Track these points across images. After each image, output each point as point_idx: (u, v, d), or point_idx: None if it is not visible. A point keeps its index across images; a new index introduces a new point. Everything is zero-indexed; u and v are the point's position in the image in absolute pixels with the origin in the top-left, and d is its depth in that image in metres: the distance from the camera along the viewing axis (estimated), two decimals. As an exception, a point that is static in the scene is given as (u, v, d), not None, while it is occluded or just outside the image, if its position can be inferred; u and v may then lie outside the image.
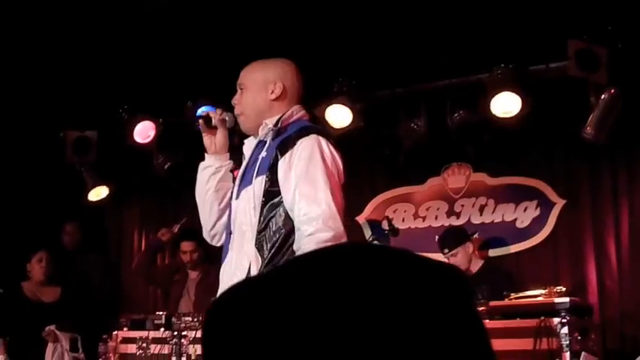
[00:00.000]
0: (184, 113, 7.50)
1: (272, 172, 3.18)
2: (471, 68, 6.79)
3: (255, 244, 3.16)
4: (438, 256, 6.89)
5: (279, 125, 3.31)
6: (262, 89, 3.39)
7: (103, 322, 6.28)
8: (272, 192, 3.17)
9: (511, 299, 5.17)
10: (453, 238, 6.61)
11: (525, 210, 7.10)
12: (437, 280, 0.97)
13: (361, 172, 7.74)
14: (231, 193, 3.43)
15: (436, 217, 7.47)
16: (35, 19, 6.27)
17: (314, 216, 3.06)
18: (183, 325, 5.54)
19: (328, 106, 7.03)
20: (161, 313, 5.81)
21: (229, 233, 3.34)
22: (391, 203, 7.67)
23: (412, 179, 7.62)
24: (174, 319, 5.64)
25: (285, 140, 3.24)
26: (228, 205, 3.43)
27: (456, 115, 6.91)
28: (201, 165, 3.58)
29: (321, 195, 3.09)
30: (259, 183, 3.20)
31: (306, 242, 3.04)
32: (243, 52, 6.72)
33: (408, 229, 7.42)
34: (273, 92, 3.37)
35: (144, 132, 7.31)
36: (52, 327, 6.33)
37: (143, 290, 8.36)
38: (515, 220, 7.14)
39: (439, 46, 6.53)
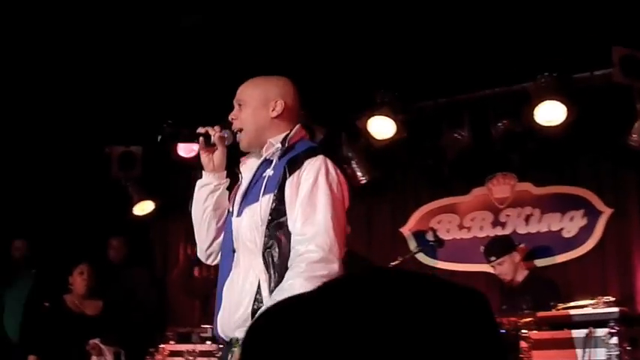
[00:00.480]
0: (226, 126, 7.55)
1: (280, 190, 3.16)
2: (514, 77, 6.74)
3: (264, 262, 3.13)
4: (483, 267, 6.85)
5: (286, 144, 3.28)
6: (263, 106, 3.35)
7: (148, 336, 6.32)
8: (279, 210, 3.14)
9: (558, 309, 5.11)
10: (499, 246, 6.54)
11: (572, 219, 7.02)
12: (461, 303, 0.98)
13: (405, 184, 7.73)
14: (229, 210, 3.40)
15: (481, 228, 7.41)
16: (79, 37, 6.35)
17: (308, 237, 3.04)
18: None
19: (370, 117, 7.02)
20: (207, 326, 5.82)
21: (232, 251, 3.30)
22: (435, 214, 7.62)
23: (456, 190, 7.58)
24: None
25: (293, 159, 3.22)
26: (225, 223, 3.42)
27: (499, 124, 6.87)
28: (199, 183, 3.53)
29: (320, 217, 3.07)
30: (266, 201, 3.17)
31: (297, 261, 3.03)
32: (282, 65, 6.77)
33: (452, 240, 7.37)
34: (274, 110, 3.34)
35: (188, 147, 7.37)
36: (97, 340, 6.36)
37: (188, 304, 8.40)
38: (562, 229, 7.06)
39: (482, 56, 6.49)
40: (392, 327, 0.93)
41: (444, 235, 7.09)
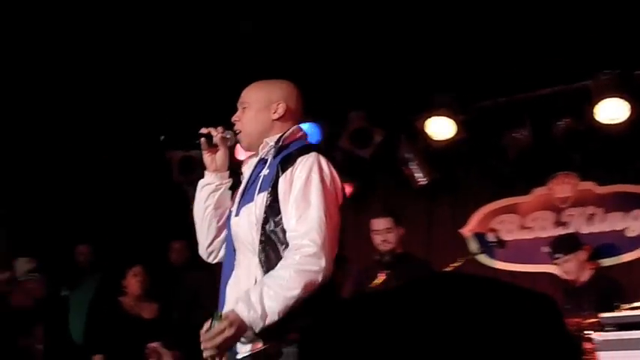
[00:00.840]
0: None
1: (274, 188, 3.19)
2: (575, 75, 6.66)
3: (259, 260, 3.16)
4: (546, 267, 6.78)
5: (280, 143, 3.33)
6: (265, 108, 3.41)
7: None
8: (273, 208, 3.17)
9: (623, 310, 5.03)
10: (566, 244, 6.41)
11: (636, 218, 6.91)
12: (529, 306, 0.98)
13: (465, 184, 7.68)
14: (230, 211, 3.45)
15: (543, 228, 7.32)
16: (136, 44, 6.43)
17: (302, 232, 3.07)
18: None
19: (429, 118, 6.99)
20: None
21: (233, 250, 3.34)
22: (496, 215, 7.55)
23: (517, 190, 7.50)
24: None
25: (286, 157, 3.25)
26: (226, 223, 3.46)
27: (560, 123, 6.79)
28: (201, 182, 3.57)
29: (313, 213, 3.10)
30: (261, 199, 3.20)
31: (290, 254, 3.07)
32: (338, 68, 6.81)
33: (514, 241, 7.29)
34: (276, 112, 3.40)
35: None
36: (156, 344, 6.40)
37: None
38: (626, 229, 6.95)
39: (541, 54, 6.42)
40: (463, 331, 0.93)
41: (505, 236, 7.03)
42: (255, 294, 2.99)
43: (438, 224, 7.73)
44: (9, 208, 8.86)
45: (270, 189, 3.18)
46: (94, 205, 8.51)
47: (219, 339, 2.94)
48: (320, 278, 3.02)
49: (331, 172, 3.24)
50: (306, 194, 3.12)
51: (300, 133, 3.45)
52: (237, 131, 3.44)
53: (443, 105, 7.00)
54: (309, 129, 7.52)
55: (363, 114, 7.39)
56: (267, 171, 3.25)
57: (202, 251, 3.61)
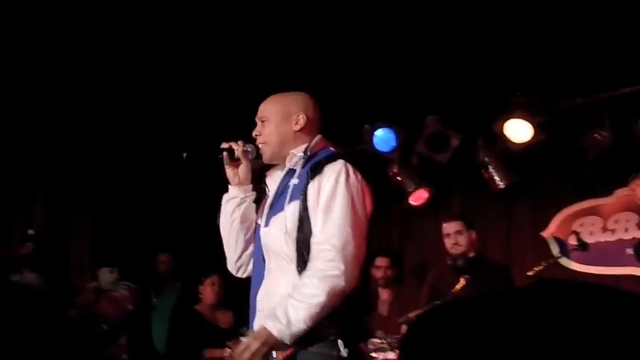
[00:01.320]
0: (362, 137, 7.59)
1: (304, 196, 3.22)
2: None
3: (297, 268, 3.18)
4: (631, 270, 6.65)
5: (308, 153, 3.37)
6: (286, 120, 3.43)
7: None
8: (305, 216, 3.20)
9: None
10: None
11: None
12: None
13: (545, 187, 7.56)
14: (257, 223, 3.48)
15: (626, 230, 7.16)
16: (217, 53, 6.50)
17: (324, 238, 3.12)
18: (372, 346, 5.54)
19: (506, 121, 6.91)
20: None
21: (262, 261, 3.36)
22: (577, 217, 7.42)
23: (598, 191, 7.35)
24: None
25: (314, 165, 3.28)
26: (253, 235, 3.51)
27: (641, 122, 6.64)
28: (225, 197, 3.62)
29: (335, 219, 3.14)
30: (292, 208, 3.23)
31: (313, 261, 3.12)
32: (416, 74, 6.78)
33: (596, 243, 7.15)
34: (297, 123, 3.42)
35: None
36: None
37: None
38: None
39: (620, 53, 6.30)
40: (573, 339, 0.90)
41: (587, 238, 6.89)
42: (281, 308, 3.05)
43: (518, 228, 7.63)
44: (91, 219, 9.06)
45: (301, 197, 3.22)
46: (174, 215, 8.63)
47: (246, 355, 3.02)
48: (343, 282, 3.05)
49: (358, 180, 3.28)
50: (331, 201, 3.16)
51: (324, 143, 3.47)
52: (259, 144, 3.48)
53: (520, 107, 6.91)
54: (385, 135, 7.51)
55: (439, 118, 7.34)
56: (297, 180, 3.29)
57: (231, 266, 3.64)
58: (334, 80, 6.93)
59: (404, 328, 5.62)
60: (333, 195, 3.16)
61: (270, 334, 3.01)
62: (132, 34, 6.21)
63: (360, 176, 3.30)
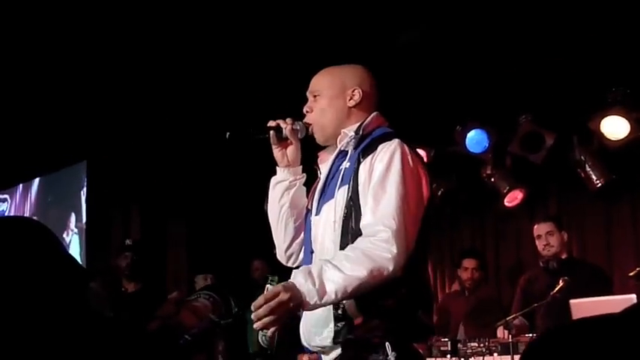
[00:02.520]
0: (454, 139, 7.52)
1: (354, 180, 2.91)
2: None
3: None
4: None
5: (360, 132, 3.04)
6: (340, 96, 3.12)
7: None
8: (355, 202, 2.90)
9: None
10: None
11: None
12: None
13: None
14: (307, 209, 3.19)
15: None
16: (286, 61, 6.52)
17: (375, 220, 2.80)
18: (469, 350, 5.47)
19: (603, 118, 6.75)
20: (445, 339, 5.78)
21: (311, 252, 3.07)
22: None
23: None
24: (460, 345, 5.58)
25: (367, 145, 2.97)
26: (304, 222, 3.20)
27: None
28: (273, 180, 3.28)
29: (390, 201, 2.81)
30: (342, 194, 2.94)
31: (362, 237, 2.80)
32: (507, 72, 6.69)
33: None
34: (352, 99, 3.10)
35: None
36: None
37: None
38: None
39: None
40: None
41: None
42: (316, 268, 2.74)
43: (618, 227, 7.43)
44: (187, 226, 9.19)
45: (351, 182, 2.93)
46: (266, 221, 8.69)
47: (274, 303, 2.67)
48: (390, 267, 2.72)
49: (414, 162, 2.94)
50: (384, 183, 2.84)
51: (380, 119, 3.13)
52: (310, 122, 3.17)
53: (616, 103, 6.74)
54: (478, 136, 7.43)
55: (532, 117, 7.22)
56: (348, 164, 2.99)
57: (281, 255, 3.34)
58: (425, 83, 6.89)
59: (500, 331, 5.54)
60: (387, 175, 2.85)
61: (298, 291, 2.68)
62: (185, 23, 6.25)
63: (417, 158, 2.98)
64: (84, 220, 9.51)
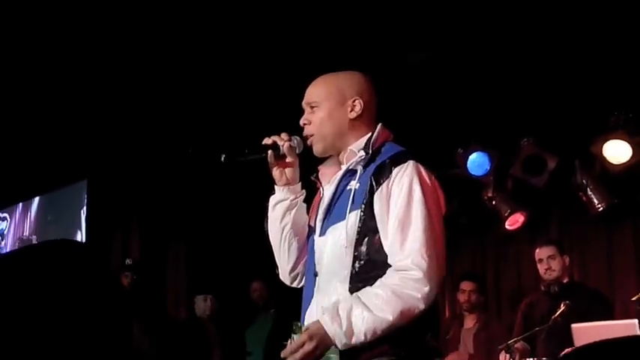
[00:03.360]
0: (456, 161, 7.50)
1: (368, 205, 2.77)
2: None
3: (350, 287, 2.76)
4: None
5: (370, 151, 2.88)
6: (340, 106, 2.94)
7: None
8: (368, 227, 2.76)
9: None
10: None
11: None
12: None
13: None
14: (309, 227, 3.06)
15: None
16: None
17: (405, 255, 2.69)
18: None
19: (605, 141, 6.73)
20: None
21: (314, 275, 2.92)
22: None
23: None
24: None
25: (379, 168, 2.82)
26: (307, 242, 3.06)
27: None
28: (273, 200, 3.11)
29: (417, 233, 2.71)
30: (354, 218, 2.78)
31: (391, 274, 2.71)
32: (510, 95, 6.68)
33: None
34: (353, 110, 2.93)
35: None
36: None
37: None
38: None
39: None
40: None
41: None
42: (344, 307, 2.65)
43: (619, 251, 7.40)
44: (187, 247, 9.16)
45: (363, 206, 2.78)
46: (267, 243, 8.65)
47: (299, 354, 2.64)
48: (421, 306, 2.66)
49: (432, 183, 2.84)
50: (407, 212, 2.72)
51: (385, 132, 2.98)
52: (308, 135, 3.00)
53: (618, 127, 6.73)
54: (479, 158, 7.41)
55: (534, 140, 7.20)
56: (358, 185, 2.83)
57: (284, 276, 3.17)
58: (427, 105, 6.88)
59: (503, 355, 5.49)
60: (409, 204, 2.73)
61: (325, 335, 2.63)
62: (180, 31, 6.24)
63: (433, 177, 2.87)
64: (84, 239, 9.48)
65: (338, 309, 2.66)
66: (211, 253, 8.88)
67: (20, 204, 10.61)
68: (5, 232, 10.73)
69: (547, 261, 6.14)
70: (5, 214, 10.81)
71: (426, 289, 2.67)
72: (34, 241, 10.25)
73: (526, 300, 6.41)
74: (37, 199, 10.40)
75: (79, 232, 9.60)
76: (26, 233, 10.43)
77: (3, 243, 10.73)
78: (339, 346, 2.63)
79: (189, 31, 6.05)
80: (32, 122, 7.78)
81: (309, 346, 2.64)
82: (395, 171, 2.80)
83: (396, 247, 2.72)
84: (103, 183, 9.33)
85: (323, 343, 2.64)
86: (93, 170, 9.12)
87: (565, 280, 6.13)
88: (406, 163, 2.81)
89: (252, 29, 5.99)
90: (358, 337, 2.63)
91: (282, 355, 2.70)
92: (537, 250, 6.28)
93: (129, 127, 7.79)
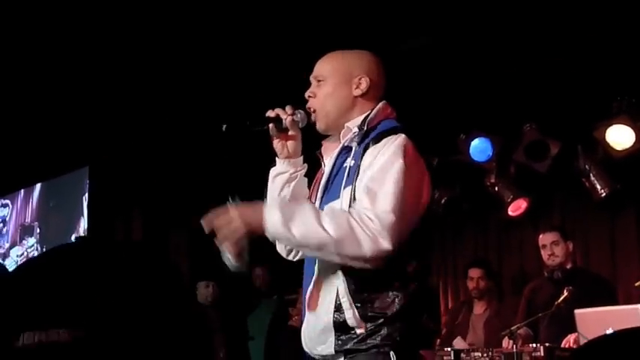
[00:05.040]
0: (457, 147, 7.48)
1: (357, 177, 2.73)
2: None
3: (342, 267, 2.70)
4: None
5: (364, 127, 2.84)
6: (345, 83, 2.92)
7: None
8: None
9: None
10: None
11: None
12: None
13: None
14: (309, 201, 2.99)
15: None
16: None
17: (372, 208, 2.59)
18: (472, 360, 5.43)
19: (608, 127, 6.71)
20: (449, 348, 5.73)
21: None
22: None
23: None
24: (463, 355, 5.54)
25: (371, 140, 2.79)
26: None
27: None
28: (273, 171, 3.09)
29: (388, 198, 2.60)
30: (347, 195, 2.72)
31: (353, 212, 2.61)
32: (512, 80, 6.66)
33: None
34: (358, 87, 2.91)
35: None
36: None
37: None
38: None
39: None
40: None
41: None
42: (294, 204, 2.64)
43: (622, 238, 7.37)
44: (188, 234, 9.15)
45: (354, 182, 2.72)
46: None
47: (225, 230, 2.64)
48: (365, 253, 2.55)
49: (419, 161, 2.77)
50: (385, 176, 2.65)
51: (387, 110, 2.95)
52: (311, 109, 2.98)
53: (622, 112, 6.70)
54: (481, 144, 7.39)
55: (537, 126, 7.18)
56: (353, 161, 2.79)
57: (280, 249, 3.12)
58: (429, 91, 6.86)
59: (506, 341, 5.48)
60: (389, 167, 2.66)
61: (260, 217, 2.59)
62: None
63: (421, 159, 2.79)
64: (86, 226, 9.48)
65: (289, 204, 2.64)
66: (213, 240, 8.86)
67: (22, 190, 10.61)
68: (7, 219, 10.74)
69: (550, 247, 6.14)
70: (7, 201, 10.81)
71: (379, 243, 2.56)
72: (36, 228, 10.26)
73: (529, 285, 6.41)
74: (38, 185, 10.40)
75: (81, 219, 9.60)
76: (28, 220, 10.44)
77: (5, 229, 10.73)
78: (268, 234, 2.58)
79: (192, 6, 6.03)
80: (34, 109, 7.78)
81: (236, 223, 2.61)
82: (385, 139, 2.76)
83: (364, 201, 2.63)
84: (104, 169, 9.32)
85: (254, 223, 2.62)
86: (95, 157, 9.11)
87: (568, 266, 6.13)
88: (397, 135, 2.77)
89: (255, 8, 5.97)
90: (286, 230, 2.57)
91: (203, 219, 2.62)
92: (541, 236, 6.27)
93: (130, 114, 7.78)
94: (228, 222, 2.59)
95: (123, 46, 6.46)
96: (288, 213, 2.58)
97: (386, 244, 2.56)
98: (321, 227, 2.55)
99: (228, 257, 2.68)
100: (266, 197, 3.10)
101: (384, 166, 2.68)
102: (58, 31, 6.25)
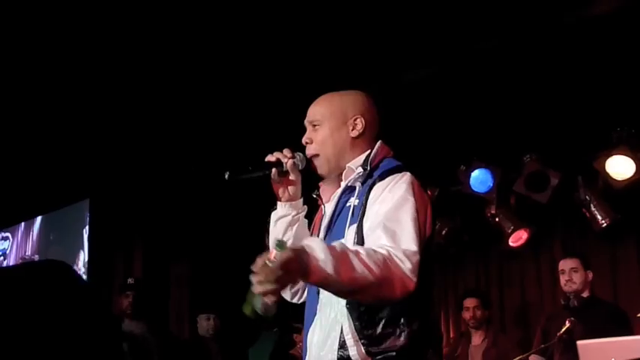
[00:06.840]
0: (458, 178, 7.49)
1: (363, 216, 2.75)
2: None
3: (347, 303, 2.69)
4: None
5: (368, 167, 2.86)
6: (342, 125, 2.94)
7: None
8: (362, 239, 2.70)
9: None
10: None
11: None
12: None
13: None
14: None
15: None
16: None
17: (402, 255, 2.55)
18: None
19: (608, 157, 6.72)
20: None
21: (316, 293, 2.85)
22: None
23: None
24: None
25: (375, 181, 2.80)
26: None
27: None
28: (275, 215, 3.09)
29: (408, 235, 2.60)
30: (352, 233, 2.74)
31: (382, 251, 2.54)
32: (512, 111, 6.68)
33: None
34: (354, 128, 2.93)
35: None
36: None
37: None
38: None
39: None
40: None
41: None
42: (339, 245, 2.51)
43: (623, 268, 7.36)
44: (190, 267, 9.13)
45: (359, 220, 2.75)
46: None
47: (264, 274, 2.38)
48: (399, 293, 2.51)
49: (423, 197, 2.77)
50: (397, 216, 2.64)
51: (385, 149, 2.97)
52: (311, 155, 2.99)
53: (622, 142, 6.71)
54: (482, 175, 7.39)
55: (537, 157, 7.19)
56: (357, 200, 2.81)
57: (285, 292, 2.96)
58: (429, 122, 6.87)
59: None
60: (403, 206, 2.66)
61: (307, 261, 2.39)
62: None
63: (425, 194, 2.82)
64: (86, 258, 9.47)
65: (335, 244, 2.50)
66: (214, 272, 8.84)
67: (22, 223, 10.60)
68: (8, 252, 10.72)
69: (569, 272, 6.16)
70: (7, 234, 10.80)
71: (408, 284, 2.53)
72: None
73: (546, 314, 6.43)
74: (39, 218, 10.39)
75: (81, 252, 9.59)
76: (28, 253, 10.41)
77: (5, 263, 10.71)
78: (321, 275, 2.40)
79: (192, 49, 6.06)
80: (34, 142, 7.79)
81: (291, 262, 2.36)
82: (391, 177, 2.78)
83: (383, 239, 2.60)
84: (105, 202, 9.32)
85: (298, 267, 2.39)
86: (95, 189, 9.11)
87: (585, 295, 6.12)
88: (402, 173, 2.80)
89: (253, 46, 6.00)
90: (336, 278, 2.41)
91: (258, 269, 2.42)
92: (561, 262, 6.33)
93: (131, 146, 7.79)
94: (271, 271, 2.37)
95: (125, 80, 6.49)
96: (334, 256, 2.42)
97: (412, 285, 2.55)
98: (365, 272, 2.45)
99: (263, 304, 2.54)
100: (268, 240, 3.12)
101: (397, 205, 2.68)
102: (60, 63, 6.27)
